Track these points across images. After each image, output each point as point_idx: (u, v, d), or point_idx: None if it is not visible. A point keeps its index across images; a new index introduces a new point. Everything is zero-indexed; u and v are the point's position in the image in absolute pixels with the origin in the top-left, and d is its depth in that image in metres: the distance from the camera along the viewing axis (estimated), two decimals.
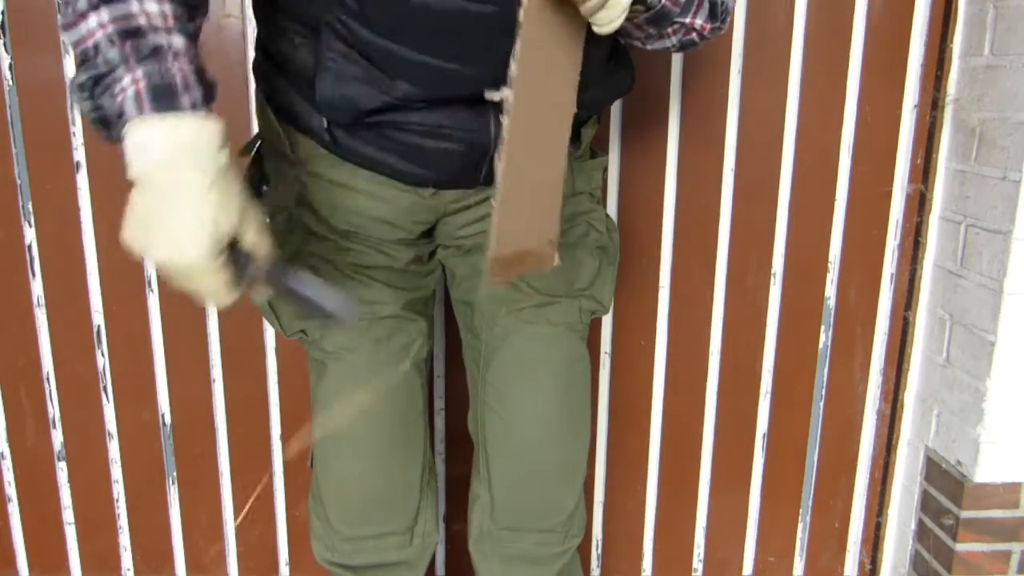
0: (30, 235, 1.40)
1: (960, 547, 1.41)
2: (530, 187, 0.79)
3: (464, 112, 0.86)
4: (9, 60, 1.31)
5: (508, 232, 0.78)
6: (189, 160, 0.70)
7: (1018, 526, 1.41)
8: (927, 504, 1.50)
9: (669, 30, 0.83)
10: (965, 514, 1.39)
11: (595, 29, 0.73)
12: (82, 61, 0.71)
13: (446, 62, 0.80)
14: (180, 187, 0.69)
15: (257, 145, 1.04)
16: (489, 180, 0.95)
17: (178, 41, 0.72)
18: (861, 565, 1.66)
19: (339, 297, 0.75)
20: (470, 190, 0.97)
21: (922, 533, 1.52)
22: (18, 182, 1.37)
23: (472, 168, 0.92)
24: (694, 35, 0.86)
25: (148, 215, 0.71)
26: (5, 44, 1.31)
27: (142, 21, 0.70)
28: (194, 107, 0.71)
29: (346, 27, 0.79)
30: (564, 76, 0.78)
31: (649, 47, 0.87)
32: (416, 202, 0.96)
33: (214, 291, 0.72)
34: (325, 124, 0.90)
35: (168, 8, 0.72)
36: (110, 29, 0.69)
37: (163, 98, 0.70)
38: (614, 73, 0.96)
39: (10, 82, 1.33)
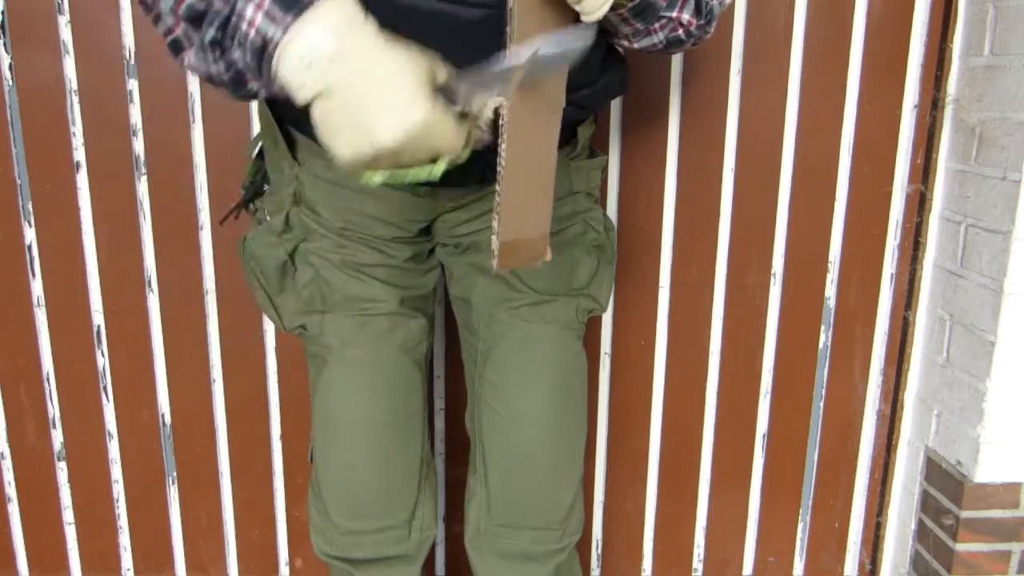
0: (30, 235, 1.40)
1: (960, 547, 1.41)
2: (527, 178, 0.80)
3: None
4: (9, 60, 1.32)
5: (511, 220, 0.79)
6: (355, 36, 0.66)
7: (1018, 526, 1.41)
8: (927, 504, 1.50)
9: (656, 25, 0.83)
10: (965, 514, 1.39)
11: (583, 17, 0.73)
12: (195, 20, 0.68)
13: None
14: (368, 63, 0.66)
15: (259, 146, 1.05)
16: (484, 180, 0.95)
17: None
18: (861, 565, 1.66)
19: (558, 36, 0.71)
20: (466, 189, 0.97)
21: (922, 533, 1.52)
22: (18, 182, 1.37)
23: (468, 168, 0.92)
24: (680, 32, 0.85)
25: (356, 111, 0.66)
26: (5, 44, 1.31)
27: None
28: None
29: None
30: (553, 83, 0.79)
31: (637, 45, 0.87)
32: (412, 201, 0.96)
33: (452, 136, 0.70)
34: None
35: None
36: None
37: (293, 4, 0.66)
38: (608, 73, 0.97)
39: (10, 82, 1.33)
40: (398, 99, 0.66)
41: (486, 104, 0.72)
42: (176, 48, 0.73)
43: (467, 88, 0.70)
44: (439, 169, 0.73)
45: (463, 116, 0.71)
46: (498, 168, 0.76)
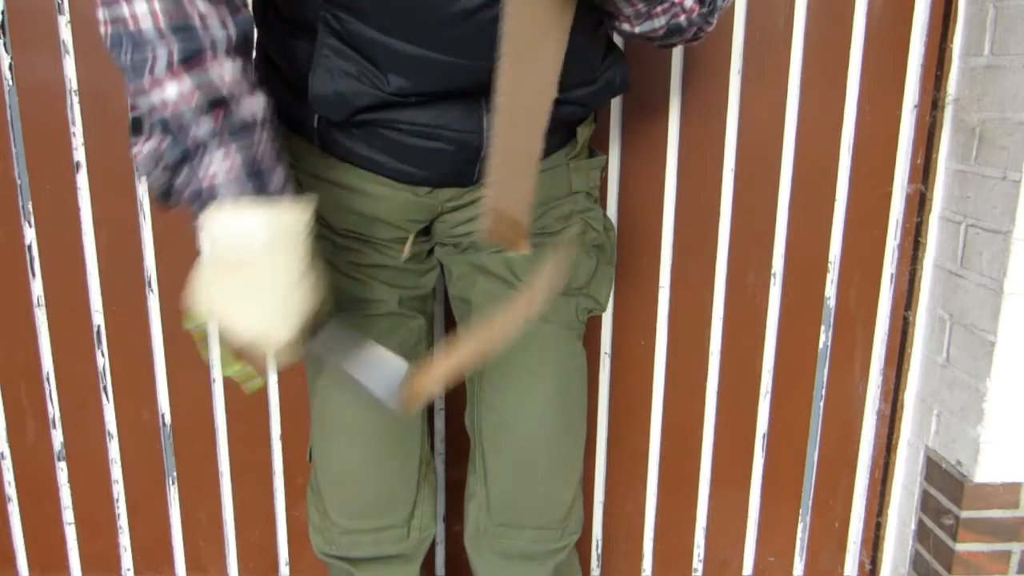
0: (30, 235, 1.40)
1: (960, 547, 1.41)
2: (515, 157, 0.80)
3: (455, 111, 0.87)
4: (9, 60, 1.32)
5: (500, 189, 0.79)
6: (287, 247, 0.69)
7: (1018, 526, 1.41)
8: (927, 504, 1.50)
9: (658, 8, 0.81)
10: (965, 514, 1.39)
11: None
12: (159, 132, 0.69)
13: (436, 53, 0.80)
14: (277, 272, 0.69)
15: None
16: (483, 179, 0.95)
17: (259, 109, 0.70)
18: (861, 565, 1.66)
19: (389, 384, 0.78)
20: (465, 189, 0.97)
21: (922, 533, 1.52)
22: (18, 182, 1.37)
23: (466, 167, 0.93)
24: (682, 18, 0.83)
25: (238, 293, 0.70)
26: (5, 44, 1.31)
27: (225, 91, 0.68)
28: (283, 186, 0.71)
29: (338, 21, 0.79)
30: (549, 61, 0.78)
31: (637, 29, 0.84)
32: (411, 201, 0.96)
33: (287, 357, 0.74)
34: (315, 123, 0.90)
35: (239, 74, 0.69)
36: (196, 100, 0.67)
37: (256, 178, 0.68)
38: (608, 71, 0.96)
39: (10, 82, 1.33)
40: (277, 313, 0.70)
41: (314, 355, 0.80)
42: (135, 128, 0.74)
43: (316, 346, 0.77)
44: (252, 388, 0.83)
45: (308, 349, 0.76)
46: (492, 139, 0.77)
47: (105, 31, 0.68)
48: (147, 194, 1.39)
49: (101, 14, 0.68)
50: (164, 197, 0.73)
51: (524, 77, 0.76)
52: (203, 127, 0.67)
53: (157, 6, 0.66)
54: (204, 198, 0.68)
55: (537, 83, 0.78)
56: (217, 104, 0.68)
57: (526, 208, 0.82)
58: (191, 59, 0.67)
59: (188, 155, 0.68)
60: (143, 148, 0.71)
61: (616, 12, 0.82)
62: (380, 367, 0.79)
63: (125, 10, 0.66)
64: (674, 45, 0.90)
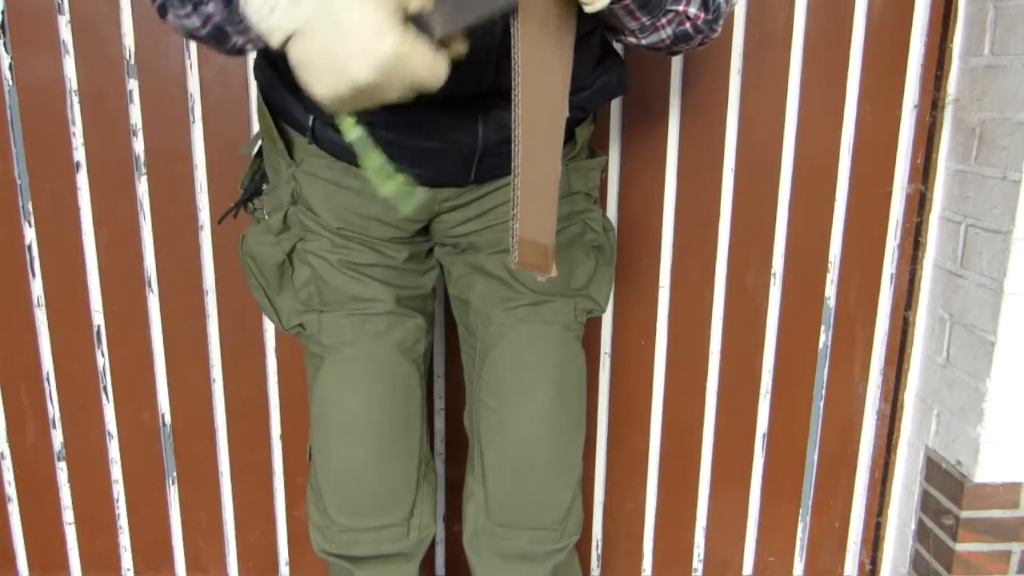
0: (30, 235, 1.40)
1: (960, 547, 1.41)
2: (538, 179, 0.79)
3: (451, 110, 0.86)
4: (9, 60, 1.32)
5: (526, 218, 0.77)
6: None
7: (1018, 526, 1.41)
8: (927, 504, 1.50)
9: (663, 20, 0.81)
10: (965, 514, 1.39)
11: (585, 8, 0.72)
12: None
13: None
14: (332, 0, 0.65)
15: (258, 145, 1.05)
16: (480, 179, 0.95)
17: None
18: (861, 565, 1.66)
19: None
20: (462, 189, 0.97)
21: (922, 533, 1.52)
22: (18, 182, 1.37)
23: (462, 167, 0.92)
24: (688, 26, 0.83)
25: (327, 49, 0.65)
26: (5, 44, 1.31)
27: None
28: None
29: None
30: (559, 69, 0.78)
31: (644, 42, 0.84)
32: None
33: (427, 63, 0.68)
34: (310, 122, 0.90)
35: None
36: None
37: None
38: (604, 75, 0.96)
39: (10, 82, 1.33)
40: (366, 32, 0.64)
41: (454, 37, 0.71)
42: (162, 10, 0.73)
43: (441, 16, 0.68)
44: (411, 204, 0.77)
45: (441, 44, 0.69)
46: (513, 165, 0.75)
47: None
48: (146, 195, 1.38)
49: None
50: (221, 41, 0.71)
51: (539, 102, 0.75)
52: None
53: None
54: (233, 2, 0.67)
55: (551, 106, 0.78)
56: None
57: (551, 232, 0.82)
58: None
59: None
60: (170, 15, 0.70)
61: (621, 27, 0.82)
62: None
63: None
64: (682, 52, 0.90)
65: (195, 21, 0.72)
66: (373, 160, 0.77)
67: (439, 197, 0.97)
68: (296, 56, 0.67)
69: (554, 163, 0.81)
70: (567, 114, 0.80)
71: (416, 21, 0.68)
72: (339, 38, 0.64)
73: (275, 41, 0.67)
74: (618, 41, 0.88)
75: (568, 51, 0.78)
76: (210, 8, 0.70)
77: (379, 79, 0.66)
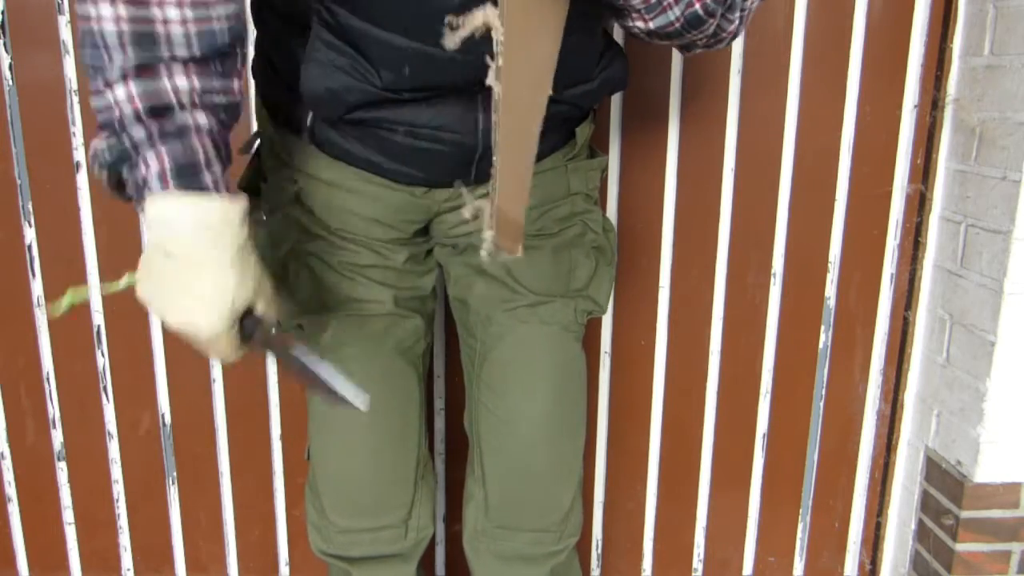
0: (30, 235, 1.40)
1: (960, 547, 1.41)
2: (516, 156, 0.79)
3: (450, 109, 0.86)
4: (9, 60, 1.32)
5: (503, 190, 0.78)
6: (212, 238, 0.71)
7: (1018, 526, 1.41)
8: (927, 504, 1.50)
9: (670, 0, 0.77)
10: (965, 514, 1.39)
11: None
12: (107, 131, 0.72)
13: (427, 47, 0.78)
14: (202, 263, 0.71)
15: (256, 144, 1.05)
16: (480, 179, 0.95)
17: (203, 118, 0.73)
18: (861, 565, 1.66)
19: (346, 384, 0.79)
20: (462, 189, 0.97)
21: (922, 533, 1.52)
22: (18, 182, 1.37)
23: (462, 168, 0.92)
24: (698, 7, 0.77)
25: (167, 281, 0.73)
26: (5, 44, 1.31)
27: (171, 99, 0.71)
28: (215, 184, 0.73)
29: (331, 13, 0.79)
30: (545, 57, 0.77)
31: (653, 25, 0.80)
32: (408, 201, 0.96)
33: (222, 352, 0.76)
34: (308, 122, 0.90)
35: (197, 83, 0.72)
36: (139, 105, 0.70)
37: (186, 176, 0.71)
38: (606, 70, 0.96)
39: (10, 82, 1.33)
40: (201, 304, 0.72)
41: (260, 352, 0.80)
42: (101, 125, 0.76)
43: (264, 334, 0.77)
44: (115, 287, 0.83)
45: (247, 345, 0.77)
46: (494, 137, 0.76)
47: (78, 27, 0.71)
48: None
49: (77, 8, 0.70)
50: (116, 190, 0.76)
51: (522, 74, 0.75)
52: (138, 132, 0.70)
53: (121, 11, 0.67)
54: (142, 190, 0.72)
55: (534, 80, 0.78)
56: (160, 112, 0.70)
57: (523, 210, 0.82)
58: (144, 68, 0.69)
59: (126, 155, 0.72)
60: (95, 144, 0.74)
61: (626, 6, 0.78)
62: (332, 371, 0.80)
63: (91, 10, 0.68)
64: (696, 46, 0.85)
65: (100, 174, 0.76)
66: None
67: (438, 198, 0.97)
68: (147, 259, 0.75)
69: (532, 141, 0.80)
70: (550, 92, 0.78)
71: (247, 322, 0.76)
72: (180, 293, 0.73)
73: (148, 236, 0.75)
74: (625, 28, 0.84)
75: (558, 27, 0.76)
76: (125, 173, 0.74)
77: (181, 335, 0.75)
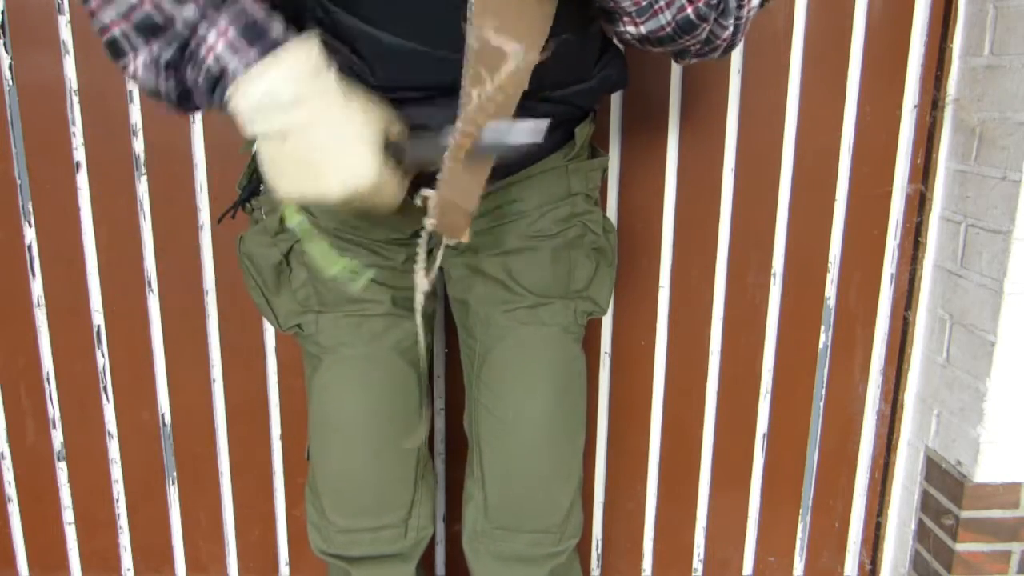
0: (30, 235, 1.40)
1: (960, 547, 1.41)
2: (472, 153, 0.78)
3: (447, 109, 0.86)
4: (9, 60, 1.32)
5: (452, 179, 0.77)
6: (318, 86, 0.66)
7: (1018, 526, 1.41)
8: (927, 504, 1.50)
9: (662, 2, 0.75)
10: (965, 514, 1.39)
11: None
12: (147, 36, 0.66)
13: (421, 45, 0.78)
14: (325, 116, 0.66)
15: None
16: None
17: None
18: (861, 565, 1.66)
19: (519, 128, 0.71)
20: None
21: (922, 533, 1.52)
22: (18, 182, 1.37)
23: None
24: (690, 11, 0.75)
25: (309, 160, 0.67)
26: (5, 44, 1.31)
27: None
28: (285, 33, 0.68)
29: (325, 11, 0.79)
30: (525, 34, 0.75)
31: (644, 29, 0.78)
32: (406, 201, 0.96)
33: (390, 195, 0.70)
34: None
35: None
36: None
37: (258, 39, 0.66)
38: (604, 69, 0.96)
39: (10, 82, 1.33)
40: (352, 158, 0.66)
41: (425, 167, 0.74)
42: (116, 51, 0.71)
43: (414, 152, 0.72)
44: (359, 284, 0.81)
45: (405, 174, 0.72)
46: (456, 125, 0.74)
47: None
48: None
49: None
50: (184, 101, 0.70)
51: (494, 68, 0.73)
52: (187, 10, 0.65)
53: None
54: (219, 81, 0.66)
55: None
56: None
57: (475, 198, 0.80)
58: None
59: (185, 43, 0.66)
60: (137, 64, 0.68)
61: (616, 8, 0.77)
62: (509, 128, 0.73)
63: None
64: (689, 53, 0.84)
65: (168, 85, 0.70)
66: (316, 246, 0.79)
67: None
68: (270, 154, 0.67)
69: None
70: (525, 86, 0.76)
71: (392, 149, 0.70)
72: (325, 155, 0.65)
73: (252, 132, 0.67)
74: (617, 35, 0.83)
75: (542, 21, 0.75)
76: (188, 75, 0.68)
77: (347, 201, 0.68)
